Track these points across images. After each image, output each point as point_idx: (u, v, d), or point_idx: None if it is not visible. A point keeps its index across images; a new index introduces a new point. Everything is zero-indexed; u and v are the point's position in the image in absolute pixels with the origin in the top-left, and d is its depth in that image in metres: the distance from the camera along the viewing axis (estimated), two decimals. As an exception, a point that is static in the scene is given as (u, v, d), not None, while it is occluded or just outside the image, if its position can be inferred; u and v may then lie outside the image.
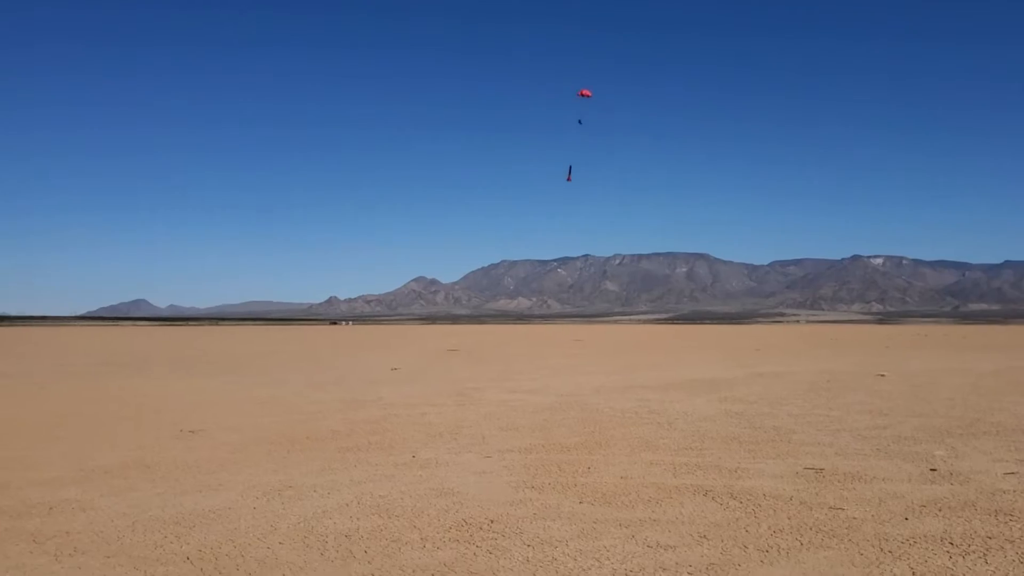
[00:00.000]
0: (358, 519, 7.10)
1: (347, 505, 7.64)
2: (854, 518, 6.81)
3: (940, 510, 7.02)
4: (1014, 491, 7.71)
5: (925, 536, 6.22)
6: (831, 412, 14.41)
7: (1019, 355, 37.63)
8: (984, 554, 5.75)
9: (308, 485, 8.60)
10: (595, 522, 6.81)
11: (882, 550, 5.90)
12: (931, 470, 8.80)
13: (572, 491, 7.99)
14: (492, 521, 6.90)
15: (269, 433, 12.66)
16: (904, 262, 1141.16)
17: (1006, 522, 6.58)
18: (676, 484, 8.25)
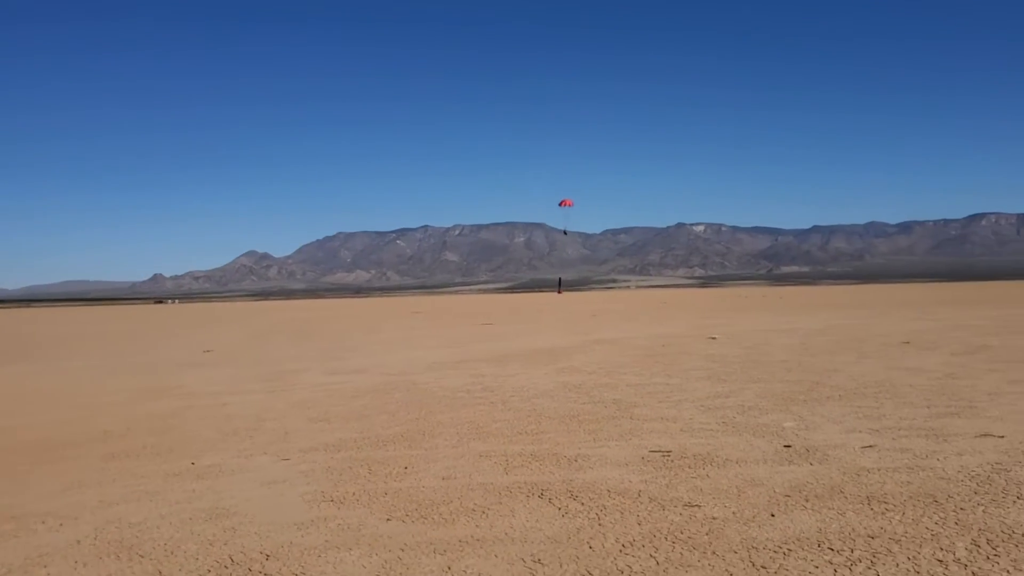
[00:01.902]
0: (85, 566, 5.27)
1: (79, 543, 5.77)
2: (714, 518, 5.70)
3: (807, 500, 6.05)
4: (878, 469, 6.90)
5: (799, 539, 5.17)
6: (670, 380, 13.65)
7: (836, 313, 39.48)
8: (872, 562, 4.72)
9: (39, 513, 6.62)
10: (403, 549, 5.32)
11: (754, 565, 4.76)
12: (785, 447, 7.94)
13: (380, 503, 6.47)
14: (268, 556, 5.26)
15: (22, 438, 10.35)
16: (723, 229, 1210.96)
17: (883, 512, 5.65)
18: (508, 483, 6.92)
